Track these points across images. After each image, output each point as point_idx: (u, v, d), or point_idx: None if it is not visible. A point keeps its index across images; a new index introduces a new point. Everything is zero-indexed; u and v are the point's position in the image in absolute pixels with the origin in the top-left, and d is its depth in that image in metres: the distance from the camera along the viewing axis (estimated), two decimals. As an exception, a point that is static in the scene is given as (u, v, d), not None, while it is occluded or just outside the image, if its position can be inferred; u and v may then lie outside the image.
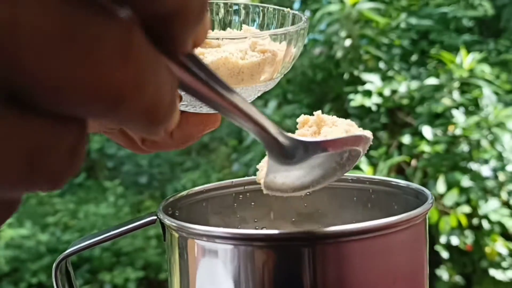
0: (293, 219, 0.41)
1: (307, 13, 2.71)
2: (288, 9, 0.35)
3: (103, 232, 0.36)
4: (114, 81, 0.15)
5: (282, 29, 0.33)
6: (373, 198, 0.39)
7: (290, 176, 0.29)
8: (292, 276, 0.29)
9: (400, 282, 0.30)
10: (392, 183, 0.38)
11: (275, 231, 0.29)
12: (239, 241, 0.29)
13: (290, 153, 0.26)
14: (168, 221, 0.32)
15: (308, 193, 0.41)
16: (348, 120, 0.33)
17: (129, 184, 3.81)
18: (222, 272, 0.30)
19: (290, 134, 0.26)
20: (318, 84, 2.67)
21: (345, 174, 0.35)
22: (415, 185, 0.36)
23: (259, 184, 0.41)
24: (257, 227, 0.39)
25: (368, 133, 0.31)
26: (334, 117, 0.33)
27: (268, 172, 0.29)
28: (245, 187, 0.41)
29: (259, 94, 0.33)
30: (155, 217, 0.35)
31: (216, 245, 0.30)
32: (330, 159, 0.28)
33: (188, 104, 0.31)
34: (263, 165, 0.32)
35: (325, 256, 0.29)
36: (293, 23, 0.34)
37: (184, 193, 0.38)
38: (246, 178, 0.42)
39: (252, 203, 0.41)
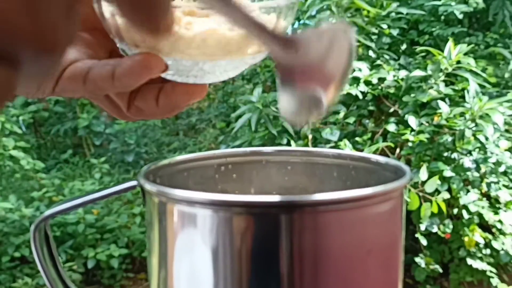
0: (274, 193, 0.42)
1: (299, -2, 2.70)
2: None
3: (83, 196, 0.36)
4: None
5: (272, 2, 0.33)
6: (352, 174, 0.39)
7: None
8: (269, 243, 0.30)
9: (375, 254, 0.31)
10: (372, 159, 0.39)
11: (254, 198, 0.30)
12: (218, 207, 0.30)
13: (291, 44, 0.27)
14: (148, 186, 0.33)
15: (289, 167, 0.42)
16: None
17: (116, 162, 3.81)
18: (201, 237, 0.30)
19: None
20: (307, 69, 2.68)
21: (326, 149, 0.36)
22: (394, 161, 0.37)
23: (244, 155, 0.42)
24: None
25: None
26: None
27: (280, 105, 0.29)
28: (228, 159, 0.41)
29: (247, 67, 0.34)
30: (136, 183, 0.35)
31: (195, 210, 0.31)
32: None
33: (175, 73, 0.32)
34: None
35: (302, 224, 0.30)
36: None
37: (166, 161, 0.39)
38: (229, 149, 0.42)
39: (234, 175, 0.41)
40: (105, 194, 0.36)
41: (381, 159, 0.39)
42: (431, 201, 2.18)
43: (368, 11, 2.42)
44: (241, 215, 0.30)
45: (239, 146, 2.67)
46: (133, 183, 0.36)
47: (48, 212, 0.37)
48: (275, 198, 0.31)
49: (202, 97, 0.34)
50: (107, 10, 0.30)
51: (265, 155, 0.43)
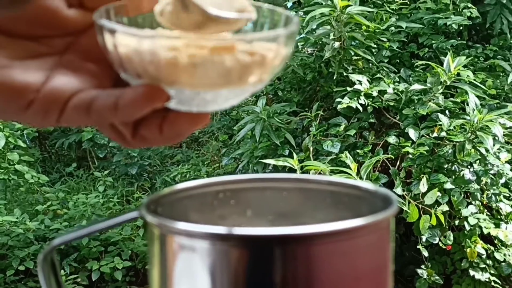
0: (270, 218, 0.44)
1: (300, 13, 2.73)
2: (282, 9, 0.36)
3: (88, 226, 0.38)
4: None
5: (274, 33, 0.34)
6: (345, 201, 0.41)
7: (183, 21, 0.31)
8: (264, 274, 0.32)
9: (364, 281, 0.33)
10: (362, 187, 0.41)
11: (249, 232, 0.32)
12: (215, 239, 0.32)
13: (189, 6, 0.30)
14: (149, 217, 0.35)
15: (284, 194, 0.44)
16: None
17: (119, 175, 3.83)
18: (199, 268, 0.32)
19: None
20: (308, 83, 2.71)
21: (319, 176, 0.39)
22: (382, 189, 0.39)
23: (242, 182, 0.44)
24: (234, 225, 0.42)
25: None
26: None
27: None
28: (226, 186, 0.43)
29: (247, 95, 0.34)
30: (137, 214, 0.37)
31: (193, 242, 0.33)
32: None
33: (177, 102, 0.33)
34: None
35: (295, 256, 0.32)
36: (285, 25, 0.35)
37: (167, 190, 0.41)
38: (226, 177, 0.44)
39: (232, 201, 0.43)
40: (109, 225, 0.38)
41: (370, 187, 0.41)
42: (430, 213, 2.20)
43: (368, 26, 2.44)
44: (236, 248, 0.32)
45: (241, 155, 2.69)
46: (135, 214, 0.38)
47: (55, 242, 0.39)
48: (268, 231, 0.33)
49: (206, 125, 0.35)
50: (110, 42, 0.31)
51: (262, 181, 0.44)
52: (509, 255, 2.36)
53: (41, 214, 3.18)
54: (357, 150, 2.36)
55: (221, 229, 0.33)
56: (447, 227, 2.30)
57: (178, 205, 0.41)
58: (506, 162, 2.30)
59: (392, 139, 2.35)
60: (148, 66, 0.31)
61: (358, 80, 2.41)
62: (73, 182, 3.81)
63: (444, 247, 2.32)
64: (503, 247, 2.36)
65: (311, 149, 2.41)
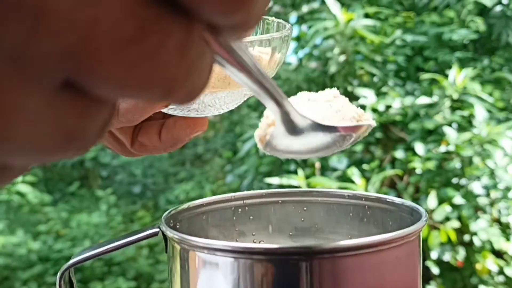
0: (291, 233, 0.42)
1: (304, 28, 2.73)
2: (273, 17, 0.36)
3: (107, 243, 0.37)
4: (169, 74, 0.16)
5: (267, 35, 0.34)
6: (368, 214, 0.40)
7: (292, 145, 0.29)
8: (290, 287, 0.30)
9: (394, 296, 0.31)
10: (388, 200, 0.39)
11: (274, 245, 0.31)
12: (239, 254, 0.30)
13: (300, 129, 0.27)
14: (170, 233, 0.33)
15: (305, 209, 0.42)
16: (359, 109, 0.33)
17: (123, 193, 3.81)
18: (222, 284, 0.31)
19: (306, 115, 0.27)
20: (313, 98, 2.69)
21: (341, 190, 0.37)
22: (409, 202, 0.38)
23: (261, 196, 0.42)
24: (255, 241, 0.40)
25: (373, 123, 0.32)
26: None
27: (271, 137, 0.29)
28: (244, 201, 0.42)
29: (245, 99, 0.34)
30: (158, 229, 0.35)
31: (216, 257, 0.31)
32: (333, 138, 0.29)
33: (176, 108, 0.32)
34: (264, 122, 0.32)
35: (321, 271, 0.30)
36: (277, 31, 0.35)
37: (185, 206, 0.39)
38: (245, 192, 0.43)
39: (251, 217, 0.41)
40: (127, 241, 0.37)
41: (397, 200, 0.39)
42: (439, 229, 2.17)
43: (372, 40, 2.44)
44: (261, 262, 0.31)
45: (245, 172, 2.67)
46: (155, 230, 0.36)
47: (72, 260, 0.37)
48: (294, 245, 0.31)
49: (204, 130, 0.34)
50: None
51: (281, 196, 0.43)
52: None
53: (44, 234, 3.16)
54: (364, 166, 2.34)
55: (244, 244, 0.31)
56: (457, 243, 2.27)
57: (197, 221, 0.39)
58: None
59: (399, 154, 2.33)
60: None
61: (363, 95, 2.40)
62: (76, 202, 3.80)
63: (454, 263, 2.29)
64: (514, 262, 2.33)
65: (317, 164, 2.39)
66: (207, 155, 4.07)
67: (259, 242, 0.40)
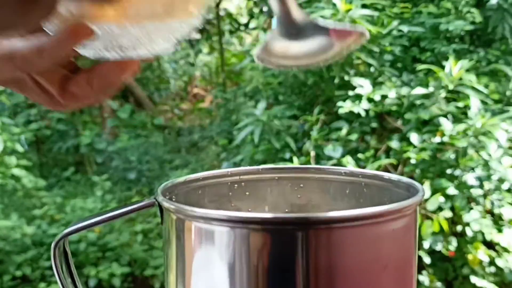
0: (287, 210, 0.42)
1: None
2: None
3: (102, 213, 0.37)
4: None
5: None
6: (365, 191, 0.40)
7: (288, 49, 0.29)
8: (285, 259, 0.30)
9: (390, 270, 0.31)
10: (384, 177, 0.39)
11: (271, 215, 0.31)
12: (235, 224, 0.30)
13: (298, 30, 0.27)
14: (166, 203, 0.33)
15: (301, 186, 0.42)
16: None
17: (118, 179, 3.80)
18: (218, 253, 0.31)
19: (306, 13, 0.27)
20: (309, 87, 2.69)
21: (338, 167, 0.37)
22: (406, 179, 0.38)
23: (257, 172, 0.42)
24: None
25: (366, 32, 0.32)
26: None
27: (269, 39, 0.29)
28: (241, 177, 0.42)
29: (177, 36, 0.32)
30: (154, 200, 0.35)
31: (212, 227, 0.31)
32: (329, 43, 0.29)
33: (103, 47, 0.31)
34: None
35: (318, 241, 0.30)
36: None
37: (181, 179, 0.39)
38: (242, 168, 0.43)
39: (247, 193, 0.42)
40: (124, 211, 0.37)
41: (394, 176, 0.39)
42: (432, 219, 2.18)
43: (369, 30, 2.43)
44: (257, 232, 0.31)
45: (241, 161, 2.67)
46: (151, 200, 0.36)
47: (68, 229, 0.37)
48: (291, 215, 0.31)
49: (135, 71, 0.33)
50: None
51: (277, 172, 0.43)
52: (511, 262, 2.34)
53: (38, 219, 3.16)
54: (359, 155, 2.35)
55: (241, 213, 0.31)
56: (449, 233, 2.28)
57: (193, 195, 0.39)
58: (510, 167, 2.28)
59: (394, 144, 2.34)
60: (70, 4, 0.30)
61: (360, 85, 2.40)
62: (71, 187, 3.79)
63: (446, 253, 2.30)
64: (505, 253, 2.34)
65: (312, 153, 2.39)
66: (202, 142, 4.07)
67: (256, 217, 0.40)
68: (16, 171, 3.25)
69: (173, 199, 0.36)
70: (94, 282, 2.79)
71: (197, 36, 5.20)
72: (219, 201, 0.41)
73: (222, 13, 4.88)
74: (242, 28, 4.86)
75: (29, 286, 2.79)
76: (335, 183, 0.41)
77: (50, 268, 2.83)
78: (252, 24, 4.61)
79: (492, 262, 2.34)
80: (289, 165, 0.38)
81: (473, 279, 2.33)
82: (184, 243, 0.32)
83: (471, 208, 2.29)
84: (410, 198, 0.33)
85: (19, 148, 3.29)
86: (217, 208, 0.39)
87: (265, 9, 3.87)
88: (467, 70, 2.34)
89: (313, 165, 0.46)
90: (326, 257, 0.30)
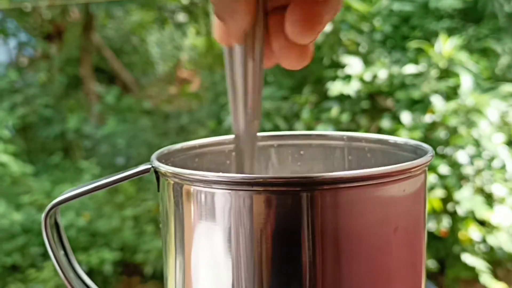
0: None
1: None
2: None
3: (95, 181, 0.35)
4: None
5: None
6: (368, 157, 0.38)
7: None
8: (290, 221, 0.28)
9: (400, 233, 0.30)
10: (389, 140, 0.38)
11: (274, 175, 0.29)
12: (236, 186, 0.29)
13: None
14: (163, 168, 0.31)
15: (301, 153, 0.41)
16: None
17: (106, 164, 3.77)
18: (219, 218, 0.29)
19: None
20: (298, 67, 2.67)
21: (340, 132, 0.35)
22: (413, 141, 0.36)
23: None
24: None
25: None
26: None
27: None
28: (239, 144, 0.40)
29: None
30: (149, 166, 0.34)
31: (212, 190, 0.29)
32: None
33: None
34: None
35: (324, 202, 0.28)
36: None
37: (177, 146, 0.37)
38: None
39: (245, 161, 0.40)
40: (118, 178, 0.35)
41: (400, 140, 0.37)
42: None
43: (359, 8, 2.41)
44: (260, 194, 0.29)
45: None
46: (147, 165, 0.34)
47: (59, 198, 0.35)
48: (295, 175, 0.29)
49: None
50: None
51: (277, 139, 0.41)
52: (502, 240, 2.35)
53: (27, 206, 3.13)
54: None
55: (243, 175, 0.29)
56: (441, 212, 2.29)
57: (189, 162, 0.37)
58: (500, 144, 2.28)
59: (385, 123, 2.33)
60: None
61: (349, 64, 2.38)
62: (59, 173, 3.76)
63: (437, 233, 2.30)
64: (496, 231, 2.35)
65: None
66: (191, 126, 4.05)
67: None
68: (3, 158, 3.21)
69: (169, 166, 0.34)
70: (84, 268, 2.78)
71: (184, 19, 5.15)
72: (216, 170, 0.39)
73: (208, -5, 4.83)
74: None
75: (20, 273, 2.77)
76: (337, 149, 0.39)
77: (41, 254, 2.82)
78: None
79: (483, 240, 2.35)
80: (289, 131, 0.37)
81: (464, 257, 2.34)
82: (183, 209, 0.30)
83: (461, 186, 2.29)
84: (419, 159, 0.32)
85: (5, 134, 3.25)
86: (215, 176, 0.37)
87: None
88: (458, 48, 2.33)
89: (314, 131, 0.45)
90: (333, 219, 0.28)
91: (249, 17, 0.30)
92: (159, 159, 0.34)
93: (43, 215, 0.35)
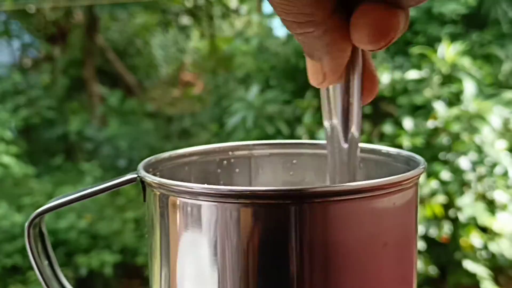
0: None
1: None
2: None
3: (81, 190, 0.34)
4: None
5: None
6: (361, 167, 0.37)
7: None
8: (278, 235, 0.28)
9: (390, 247, 0.29)
10: (382, 151, 0.37)
11: (262, 188, 0.28)
12: (223, 198, 0.28)
13: None
14: (149, 178, 0.31)
15: (294, 162, 0.40)
16: None
17: (108, 167, 3.77)
18: (205, 230, 0.28)
19: None
20: (301, 71, 2.66)
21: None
22: (406, 152, 0.35)
23: (248, 148, 0.40)
24: None
25: None
26: None
27: None
28: (230, 153, 0.39)
29: None
30: (136, 175, 0.33)
31: (199, 202, 0.28)
32: None
33: None
34: None
35: (313, 216, 0.28)
36: None
37: (166, 154, 0.37)
38: (232, 143, 0.40)
39: (237, 170, 0.39)
40: (103, 187, 0.34)
41: (392, 150, 0.37)
42: (424, 204, 2.17)
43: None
44: (247, 206, 0.28)
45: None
46: (133, 175, 0.33)
47: (43, 207, 0.34)
48: (283, 188, 0.28)
49: None
50: None
51: (269, 148, 0.40)
52: (503, 246, 2.34)
53: (28, 207, 3.13)
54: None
55: (229, 187, 0.28)
56: (442, 218, 2.28)
57: (178, 172, 0.37)
58: (503, 151, 2.27)
59: (387, 129, 2.32)
60: None
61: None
62: (61, 175, 3.76)
63: (439, 239, 2.29)
64: (498, 238, 2.33)
65: (304, 137, 2.37)
66: (194, 129, 4.04)
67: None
68: (5, 159, 3.21)
69: (157, 176, 0.33)
70: (85, 270, 2.77)
71: (188, 21, 5.15)
72: (207, 179, 0.38)
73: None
74: (232, 12, 4.82)
75: (20, 274, 2.76)
76: (330, 159, 0.39)
77: (41, 256, 2.83)
78: (242, 8, 4.57)
79: (484, 247, 2.34)
80: (281, 140, 0.36)
81: (465, 263, 2.33)
82: (168, 221, 0.30)
83: (463, 192, 2.28)
84: (411, 171, 0.31)
85: (8, 135, 3.26)
86: (205, 185, 0.36)
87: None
88: (461, 53, 2.32)
89: (307, 140, 0.44)
90: (322, 233, 0.28)
91: (349, 50, 0.28)
92: (146, 168, 0.33)
93: (26, 224, 0.35)
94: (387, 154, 0.37)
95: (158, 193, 0.30)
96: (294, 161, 0.40)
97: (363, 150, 0.37)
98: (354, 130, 0.31)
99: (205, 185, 0.28)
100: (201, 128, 3.99)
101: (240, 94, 2.77)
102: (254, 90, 2.44)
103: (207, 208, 0.28)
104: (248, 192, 0.27)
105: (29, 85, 4.13)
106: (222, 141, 3.09)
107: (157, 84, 5.20)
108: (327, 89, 0.31)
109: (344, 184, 0.28)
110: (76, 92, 4.54)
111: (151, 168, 0.34)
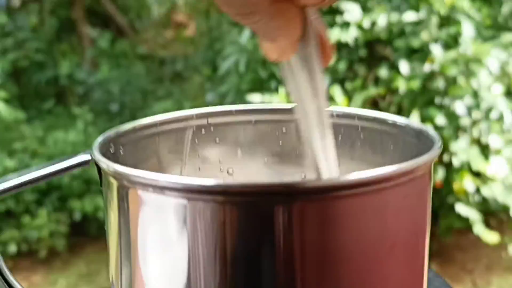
0: (266, 160, 0.34)
1: None
2: None
3: (24, 174, 0.29)
4: None
5: None
6: (362, 138, 0.32)
7: None
8: (262, 241, 0.21)
9: (399, 248, 0.24)
10: (388, 120, 0.31)
11: (241, 184, 0.22)
12: (194, 194, 0.22)
13: None
14: (104, 164, 0.25)
15: (283, 130, 0.35)
16: None
17: (100, 111, 3.72)
18: (173, 232, 0.22)
19: None
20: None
21: (329, 108, 0.29)
22: (416, 123, 0.30)
23: (229, 114, 0.34)
24: (221, 169, 0.32)
25: None
26: None
27: None
28: (209, 120, 0.33)
29: None
30: (89, 157, 0.27)
31: (164, 198, 0.23)
32: None
33: None
34: None
35: (303, 217, 0.21)
36: None
37: (130, 126, 0.30)
38: (210, 108, 0.34)
39: (217, 139, 0.33)
40: (52, 172, 0.29)
41: (400, 120, 0.31)
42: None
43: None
44: (224, 205, 0.22)
45: (226, 91, 2.58)
46: (85, 157, 0.27)
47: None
48: (267, 183, 0.22)
49: None
50: None
51: (255, 114, 0.34)
52: (496, 191, 2.33)
53: (20, 152, 3.09)
54: (347, 84, 2.28)
55: (203, 181, 0.22)
56: (437, 163, 2.25)
57: (147, 145, 0.30)
58: (503, 94, 2.22)
59: (383, 73, 2.26)
60: None
61: (348, 10, 2.29)
62: (52, 119, 3.70)
63: (433, 184, 2.28)
64: (491, 182, 2.32)
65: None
66: (186, 72, 3.97)
67: (227, 172, 0.31)
68: (-5, 103, 3.15)
69: (120, 153, 0.28)
70: (79, 215, 2.77)
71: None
72: (181, 151, 0.32)
73: None
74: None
75: (14, 219, 2.76)
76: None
77: (35, 201, 2.80)
78: None
79: (477, 191, 2.33)
80: (268, 104, 0.30)
81: (457, 207, 2.33)
82: (128, 216, 0.24)
83: (458, 137, 2.25)
84: (420, 150, 0.25)
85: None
86: (180, 159, 0.31)
87: None
88: (460, -6, 2.24)
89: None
90: (316, 238, 0.22)
91: (299, 28, 0.28)
92: (105, 144, 0.27)
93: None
94: (393, 125, 0.31)
95: (115, 183, 0.24)
96: (284, 130, 0.34)
97: (363, 118, 0.32)
98: (320, 97, 0.27)
99: (172, 177, 0.22)
100: (194, 71, 3.91)
101: (233, 37, 2.69)
102: (246, 34, 2.37)
103: (176, 205, 0.22)
104: (222, 187, 0.21)
105: (17, 27, 4.01)
106: (215, 85, 3.02)
107: (149, 26, 5.07)
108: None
109: (340, 177, 0.22)
110: (65, 34, 4.42)
111: (112, 143, 0.28)
